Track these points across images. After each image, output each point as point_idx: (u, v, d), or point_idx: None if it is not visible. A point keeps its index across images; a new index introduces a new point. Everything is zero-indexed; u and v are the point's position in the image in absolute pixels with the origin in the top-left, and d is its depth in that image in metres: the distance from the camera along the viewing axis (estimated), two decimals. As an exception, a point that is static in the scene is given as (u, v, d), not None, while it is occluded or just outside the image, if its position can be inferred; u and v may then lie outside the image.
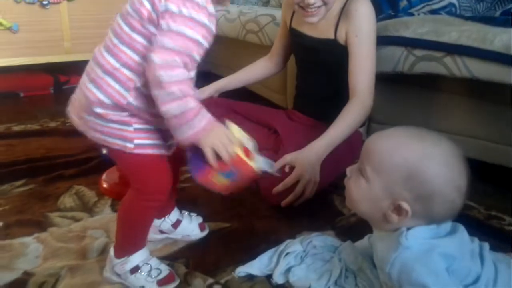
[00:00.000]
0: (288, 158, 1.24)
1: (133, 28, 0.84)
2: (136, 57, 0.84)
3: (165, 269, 0.98)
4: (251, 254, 1.03)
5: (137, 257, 0.96)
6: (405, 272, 0.74)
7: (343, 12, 1.34)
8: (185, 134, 0.83)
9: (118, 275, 0.97)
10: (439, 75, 1.37)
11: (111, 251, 0.98)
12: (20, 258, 1.04)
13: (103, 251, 1.07)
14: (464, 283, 0.76)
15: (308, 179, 1.22)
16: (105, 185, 1.34)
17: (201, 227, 1.14)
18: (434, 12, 1.72)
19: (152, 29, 0.82)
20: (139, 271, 0.96)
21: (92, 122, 0.87)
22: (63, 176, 1.43)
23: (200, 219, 1.16)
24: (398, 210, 0.76)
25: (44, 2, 2.16)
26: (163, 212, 1.11)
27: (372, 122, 1.67)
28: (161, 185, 0.93)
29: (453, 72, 1.34)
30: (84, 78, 0.89)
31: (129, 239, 0.97)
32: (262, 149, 1.34)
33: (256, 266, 1.00)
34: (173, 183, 0.98)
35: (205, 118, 0.83)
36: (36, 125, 1.93)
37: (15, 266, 1.01)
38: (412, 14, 1.66)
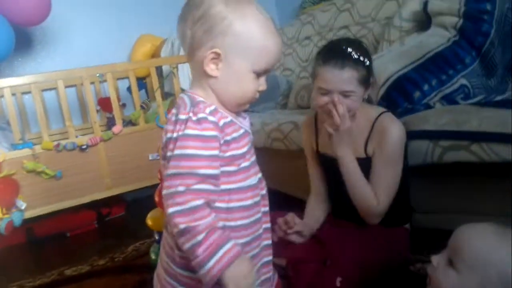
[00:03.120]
0: None
1: None
2: None
3: None
4: None
5: None
6: None
7: (373, 131, 1.39)
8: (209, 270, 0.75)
9: None
10: (469, 162, 1.41)
11: None
12: None
13: None
14: None
15: None
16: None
17: None
18: (447, 97, 1.79)
19: None
20: None
21: None
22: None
23: None
24: None
25: (83, 147, 2.33)
26: None
27: (416, 213, 1.66)
28: None
29: (482, 158, 1.37)
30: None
31: None
32: (307, 261, 1.36)
33: None
34: None
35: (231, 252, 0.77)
36: (87, 266, 1.99)
37: None
38: (428, 104, 1.72)
